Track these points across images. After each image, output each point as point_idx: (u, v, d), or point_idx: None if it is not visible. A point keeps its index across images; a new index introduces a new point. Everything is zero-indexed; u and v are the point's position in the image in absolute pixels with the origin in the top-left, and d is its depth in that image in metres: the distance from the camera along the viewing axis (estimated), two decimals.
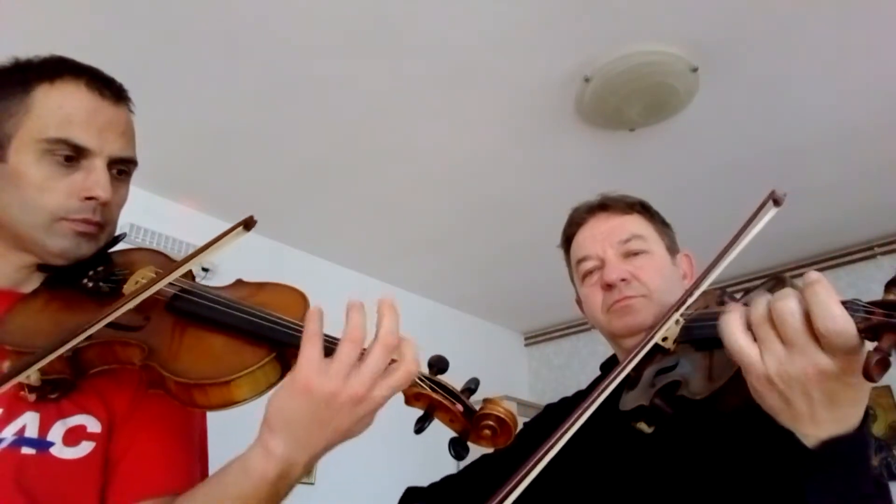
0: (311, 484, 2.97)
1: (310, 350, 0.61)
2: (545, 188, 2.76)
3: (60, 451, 0.67)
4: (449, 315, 4.16)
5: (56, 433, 0.68)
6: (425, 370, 0.69)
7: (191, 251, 0.76)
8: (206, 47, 1.98)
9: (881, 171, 2.69)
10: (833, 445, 0.54)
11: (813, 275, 0.53)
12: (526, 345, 4.66)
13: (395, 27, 1.93)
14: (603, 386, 0.59)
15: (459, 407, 0.66)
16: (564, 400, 1.11)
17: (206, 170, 2.68)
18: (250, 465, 0.62)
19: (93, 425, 0.71)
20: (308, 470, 0.64)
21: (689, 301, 0.68)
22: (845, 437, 0.54)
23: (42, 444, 0.67)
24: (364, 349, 0.63)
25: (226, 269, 2.93)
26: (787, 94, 2.24)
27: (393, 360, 0.64)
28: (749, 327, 0.57)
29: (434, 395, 0.66)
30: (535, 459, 0.52)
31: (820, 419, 0.54)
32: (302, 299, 0.74)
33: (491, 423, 0.65)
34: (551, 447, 0.53)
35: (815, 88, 2.21)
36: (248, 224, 0.74)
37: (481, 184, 2.79)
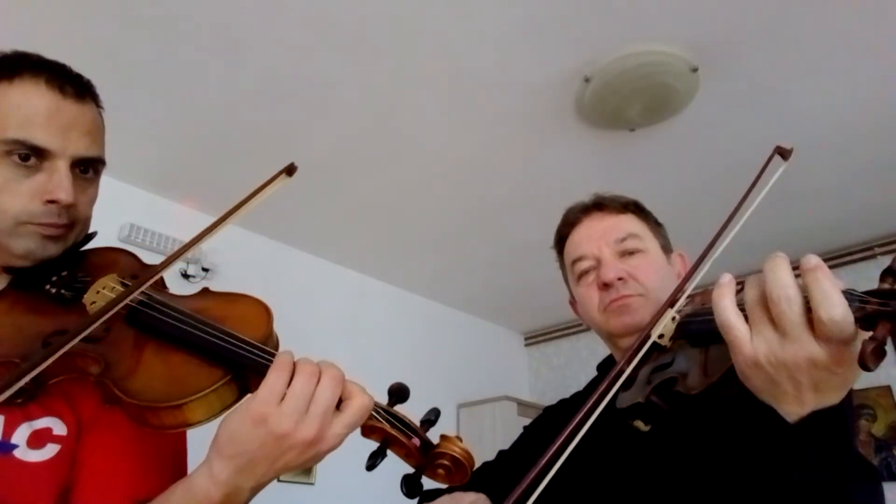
0: (311, 484, 2.97)
1: (274, 379, 0.59)
2: (545, 188, 2.76)
3: (24, 453, 0.67)
4: (449, 315, 4.16)
5: (20, 436, 0.67)
6: (383, 400, 0.65)
7: None
8: (206, 47, 1.98)
9: (881, 171, 2.69)
10: (811, 418, 0.54)
11: (813, 259, 0.52)
12: (526, 345, 4.66)
13: (396, 27, 1.93)
14: (602, 389, 0.58)
15: (416, 441, 0.62)
16: (563, 402, 1.11)
17: (206, 170, 2.68)
18: (195, 486, 0.60)
19: (59, 428, 0.70)
20: (255, 493, 0.62)
21: (695, 279, 0.67)
22: (823, 409, 0.54)
23: (6, 446, 0.66)
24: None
25: (226, 269, 2.93)
26: (787, 95, 2.23)
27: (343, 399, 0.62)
28: (741, 306, 0.55)
29: (389, 430, 0.62)
30: (538, 469, 0.51)
31: (805, 401, 0.54)
32: (266, 314, 0.71)
33: (446, 462, 0.62)
34: (553, 458, 0.52)
35: (815, 89, 2.20)
36: (291, 170, 0.72)
37: (481, 184, 2.79)
